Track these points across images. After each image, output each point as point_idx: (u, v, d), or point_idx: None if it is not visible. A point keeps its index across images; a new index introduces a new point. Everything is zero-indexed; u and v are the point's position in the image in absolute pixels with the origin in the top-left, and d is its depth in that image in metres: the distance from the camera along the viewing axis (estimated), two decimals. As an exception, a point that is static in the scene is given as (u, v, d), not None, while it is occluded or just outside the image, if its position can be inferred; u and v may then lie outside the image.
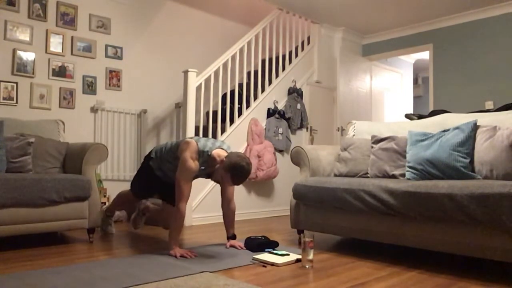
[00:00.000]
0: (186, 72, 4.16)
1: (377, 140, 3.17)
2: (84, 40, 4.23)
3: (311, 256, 2.40)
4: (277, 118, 4.93)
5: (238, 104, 4.75)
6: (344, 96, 5.98)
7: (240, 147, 4.56)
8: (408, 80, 7.62)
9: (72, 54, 4.15)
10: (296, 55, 5.39)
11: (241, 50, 4.82)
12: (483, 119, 2.83)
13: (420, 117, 4.33)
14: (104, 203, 3.95)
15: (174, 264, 2.37)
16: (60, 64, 4.06)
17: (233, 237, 2.95)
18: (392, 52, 6.15)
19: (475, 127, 2.68)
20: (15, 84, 3.79)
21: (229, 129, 4.49)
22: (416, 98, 8.73)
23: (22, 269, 2.29)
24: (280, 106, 5.05)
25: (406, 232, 2.48)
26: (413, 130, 2.96)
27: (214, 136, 4.55)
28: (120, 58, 4.50)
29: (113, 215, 3.53)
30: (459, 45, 5.39)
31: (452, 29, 5.47)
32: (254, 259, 2.53)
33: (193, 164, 2.66)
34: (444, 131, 2.79)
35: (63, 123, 3.67)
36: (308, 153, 3.28)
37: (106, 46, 4.40)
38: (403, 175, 2.91)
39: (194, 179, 2.98)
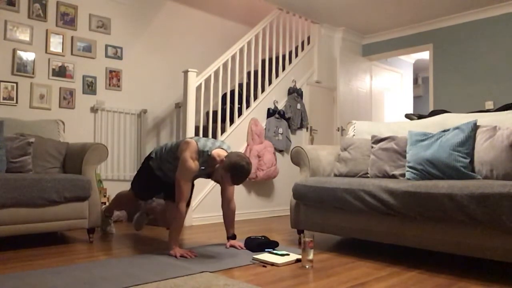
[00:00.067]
0: (186, 72, 4.16)
1: (377, 140, 3.17)
2: (84, 40, 4.23)
3: (311, 256, 2.40)
4: (277, 118, 4.93)
5: (238, 104, 4.75)
6: (344, 96, 5.98)
7: (240, 147, 4.56)
8: (408, 80, 7.62)
9: (72, 54, 4.15)
10: (296, 55, 5.39)
11: (241, 50, 4.82)
12: (483, 119, 2.83)
13: (420, 117, 4.33)
14: (104, 203, 3.95)
15: (174, 264, 2.37)
16: (60, 64, 4.06)
17: (233, 237, 2.95)
18: (392, 52, 6.15)
19: (475, 127, 2.68)
20: (15, 84, 3.79)
21: (229, 129, 4.49)
22: (416, 98, 8.73)
23: (22, 269, 2.29)
24: (280, 106, 5.05)
25: (406, 232, 2.48)
26: (413, 130, 2.96)
27: (214, 136, 4.55)
28: (120, 58, 4.50)
29: (112, 215, 3.53)
30: (459, 45, 5.39)
31: (452, 29, 5.47)
32: (254, 259, 2.53)
33: (193, 164, 2.66)
34: (444, 131, 2.79)
35: (63, 123, 3.67)
36: (308, 153, 3.28)
37: (106, 46, 4.40)
38: (403, 175, 2.91)
39: (194, 179, 2.98)
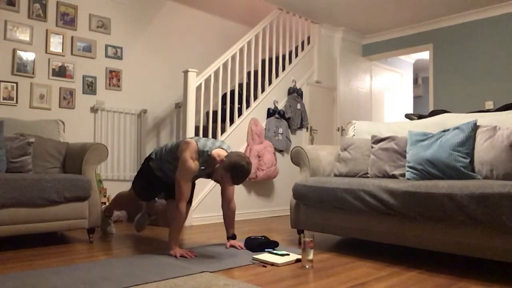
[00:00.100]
0: (186, 72, 4.16)
1: (377, 140, 3.17)
2: (84, 40, 4.23)
3: (311, 256, 2.40)
4: (277, 118, 4.93)
5: (238, 104, 4.75)
6: (344, 96, 5.98)
7: (240, 147, 4.56)
8: (408, 80, 7.62)
9: (72, 54, 4.15)
10: (296, 55, 5.39)
11: (241, 50, 4.82)
12: (483, 119, 2.83)
13: (420, 117, 4.33)
14: (104, 203, 3.95)
15: (174, 264, 2.37)
16: (60, 64, 4.06)
17: (233, 237, 2.95)
18: (392, 52, 6.15)
19: (475, 127, 2.68)
20: (15, 84, 3.79)
21: (229, 129, 4.49)
22: (416, 98, 8.73)
23: (22, 269, 2.29)
24: (280, 106, 5.05)
25: (406, 232, 2.48)
26: (413, 130, 2.96)
27: (214, 136, 4.55)
28: (120, 58, 4.50)
29: (111, 215, 3.53)
30: (459, 45, 5.39)
31: (452, 29, 5.47)
32: (254, 259, 2.53)
33: (193, 164, 2.66)
34: (444, 131, 2.79)
35: (63, 123, 3.67)
36: (308, 153, 3.28)
37: (106, 46, 4.40)
38: (403, 175, 2.91)
39: (195, 179, 2.98)
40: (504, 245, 2.09)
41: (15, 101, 3.78)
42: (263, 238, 2.90)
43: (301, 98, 5.28)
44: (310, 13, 5.38)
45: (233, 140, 4.47)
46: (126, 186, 4.38)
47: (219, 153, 2.71)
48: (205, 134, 4.68)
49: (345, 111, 5.98)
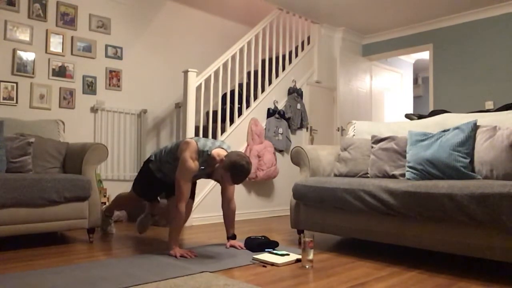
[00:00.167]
0: (186, 72, 4.16)
1: (377, 140, 3.17)
2: (84, 40, 4.23)
3: (311, 256, 2.40)
4: (277, 118, 4.93)
5: (238, 104, 4.75)
6: (344, 96, 5.98)
7: (240, 147, 4.56)
8: (408, 80, 7.62)
9: (72, 54, 4.15)
10: (296, 55, 5.39)
11: (241, 50, 4.82)
12: (483, 119, 2.83)
13: (420, 117, 4.33)
14: (104, 203, 3.95)
15: (174, 264, 2.37)
16: (60, 64, 4.06)
17: (233, 237, 2.95)
18: (392, 52, 6.15)
19: (475, 127, 2.68)
20: (15, 84, 3.79)
21: (229, 129, 4.49)
22: (416, 98, 8.73)
23: (22, 269, 2.29)
24: (280, 106, 5.05)
25: (406, 232, 2.48)
26: (413, 130, 2.96)
27: (214, 136, 4.55)
28: (120, 58, 4.50)
29: (112, 215, 3.52)
30: (459, 45, 5.39)
31: (452, 29, 5.47)
32: (254, 259, 2.53)
33: (193, 164, 2.66)
34: (444, 131, 2.79)
35: (63, 123, 3.67)
36: (308, 153, 3.28)
37: (106, 46, 4.40)
38: (403, 175, 2.91)
39: (196, 179, 2.98)
40: (504, 245, 2.09)
41: (15, 101, 3.78)
42: (263, 238, 2.90)
43: (301, 98, 5.28)
44: (310, 13, 5.38)
45: (233, 140, 4.47)
46: (126, 186, 4.38)
47: (219, 152, 2.71)
48: (205, 134, 4.69)
49: (345, 111, 5.98)
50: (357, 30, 6.10)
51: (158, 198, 3.36)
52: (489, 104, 5.08)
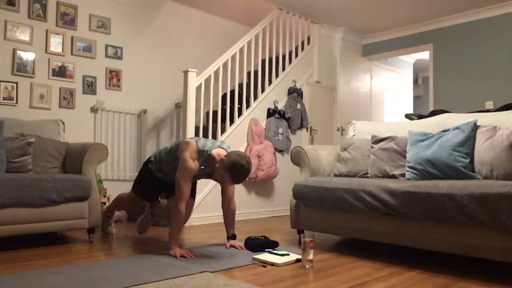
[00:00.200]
0: (186, 72, 4.16)
1: (377, 140, 3.17)
2: (84, 40, 4.23)
3: (311, 256, 2.40)
4: (277, 118, 4.93)
5: (238, 104, 4.75)
6: (344, 96, 5.98)
7: (240, 147, 4.56)
8: (408, 80, 7.62)
9: (72, 54, 4.15)
10: (296, 55, 5.39)
11: (241, 50, 4.82)
12: (483, 119, 2.83)
13: (420, 117, 4.33)
14: (104, 203, 3.95)
15: (174, 264, 2.37)
16: (60, 64, 4.06)
17: (233, 237, 2.95)
18: (392, 52, 6.15)
19: (475, 127, 2.68)
20: (15, 84, 3.79)
21: (229, 129, 4.49)
22: (416, 98, 8.73)
23: (22, 269, 2.29)
24: (280, 106, 5.05)
25: (406, 232, 2.48)
26: (413, 130, 2.96)
27: (214, 136, 4.55)
28: (120, 58, 4.50)
29: (112, 215, 3.52)
30: (459, 45, 5.39)
31: (452, 29, 5.47)
32: (254, 259, 2.53)
33: (193, 164, 2.66)
34: (444, 131, 2.79)
35: (63, 123, 3.67)
36: (308, 153, 3.28)
37: (106, 46, 4.40)
38: (403, 175, 2.91)
39: (196, 179, 2.98)
40: (504, 245, 2.09)
41: (15, 101, 3.78)
42: (263, 238, 2.90)
43: (301, 98, 5.28)
44: (310, 13, 5.38)
45: (233, 140, 4.47)
46: (126, 186, 4.38)
47: (219, 152, 2.71)
48: (205, 134, 4.69)
49: (345, 111, 5.98)
50: (357, 30, 6.10)
51: (159, 198, 3.36)
52: (489, 104, 5.08)
